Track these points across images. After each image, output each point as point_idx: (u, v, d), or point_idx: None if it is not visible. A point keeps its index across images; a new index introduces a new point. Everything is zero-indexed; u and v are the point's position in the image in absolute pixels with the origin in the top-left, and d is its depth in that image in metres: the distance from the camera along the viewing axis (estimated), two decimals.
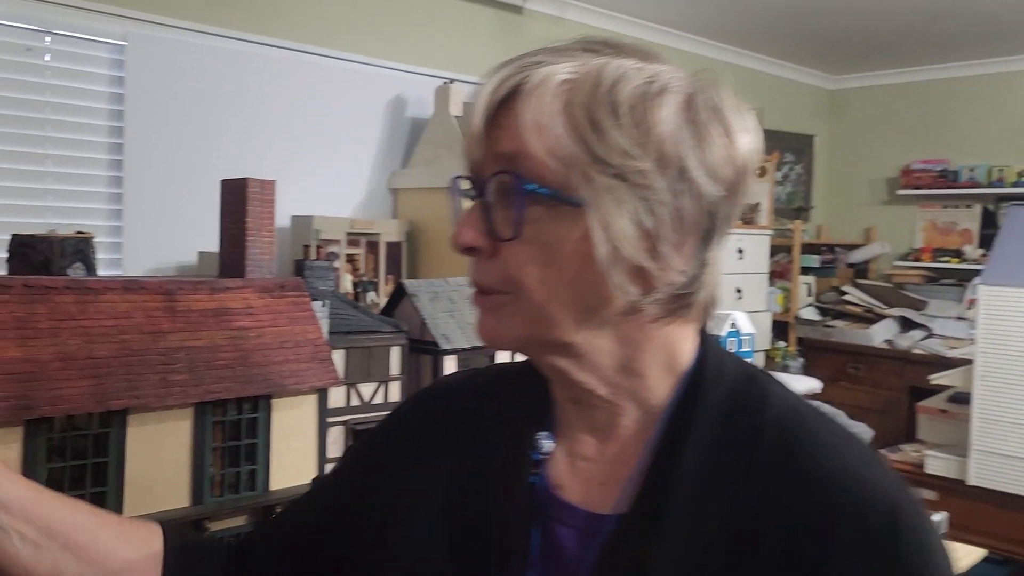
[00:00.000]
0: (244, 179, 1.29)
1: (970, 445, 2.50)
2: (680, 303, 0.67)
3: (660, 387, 0.70)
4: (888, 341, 4.54)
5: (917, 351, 4.37)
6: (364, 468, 0.84)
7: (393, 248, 3.06)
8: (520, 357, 0.77)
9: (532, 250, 0.64)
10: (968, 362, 2.56)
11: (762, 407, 0.68)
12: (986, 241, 4.71)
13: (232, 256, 1.29)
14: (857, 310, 4.74)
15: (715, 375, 0.70)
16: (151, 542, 0.79)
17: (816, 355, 4.58)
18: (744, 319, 2.71)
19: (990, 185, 4.73)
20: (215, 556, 0.84)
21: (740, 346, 2.68)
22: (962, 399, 2.67)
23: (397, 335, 1.64)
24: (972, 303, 4.41)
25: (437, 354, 1.68)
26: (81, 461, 1.05)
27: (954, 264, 4.83)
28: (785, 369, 4.01)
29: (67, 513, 0.75)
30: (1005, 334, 2.42)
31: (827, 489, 0.62)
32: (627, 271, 0.64)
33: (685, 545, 0.63)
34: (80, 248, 1.70)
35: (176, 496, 1.13)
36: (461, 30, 3.54)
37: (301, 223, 2.83)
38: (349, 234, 2.89)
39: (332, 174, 3.10)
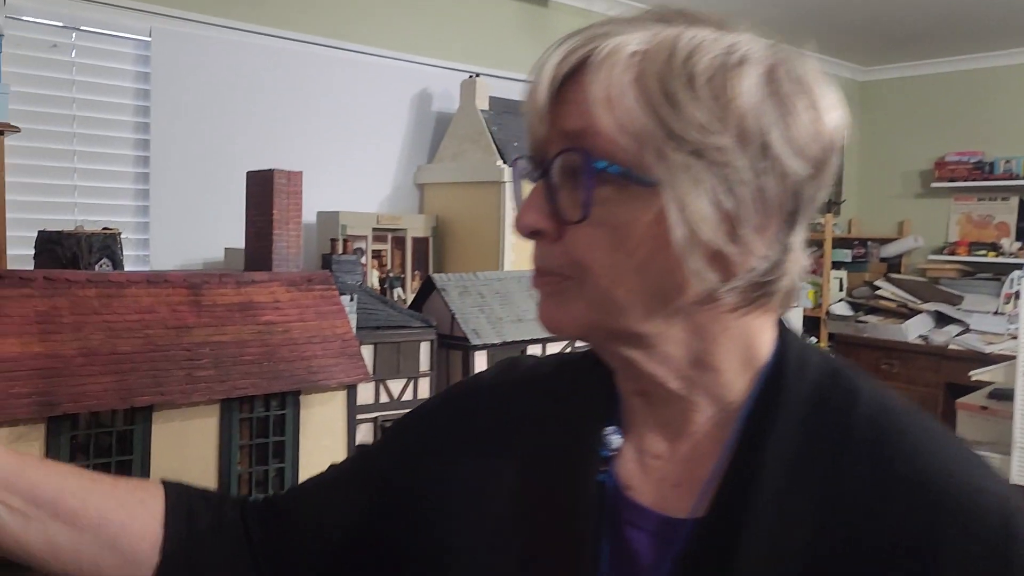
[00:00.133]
0: (270, 170, 1.26)
1: (1013, 443, 2.43)
2: (760, 291, 0.62)
3: (737, 382, 0.65)
4: (923, 337, 4.44)
5: (953, 347, 4.27)
6: (418, 450, 0.79)
7: (420, 244, 3.03)
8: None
9: (600, 233, 0.60)
10: (1008, 358, 2.49)
11: (850, 404, 0.63)
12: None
13: (258, 249, 1.26)
14: (890, 305, 4.64)
15: (797, 369, 0.65)
16: (149, 504, 0.75)
17: (848, 351, 4.49)
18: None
19: None
20: (227, 516, 0.79)
21: None
22: (1003, 395, 2.60)
23: (426, 330, 1.60)
24: (1010, 297, 4.31)
25: (467, 349, 1.64)
26: (105, 459, 1.02)
27: (990, 258, 4.72)
28: None
29: (54, 480, 0.71)
30: None
31: (931, 497, 0.57)
32: (705, 256, 0.59)
33: (769, 553, 0.58)
34: (107, 244, 1.68)
35: None
36: (486, 23, 3.50)
37: (327, 219, 2.80)
38: (375, 230, 2.87)
39: (358, 169, 3.08)
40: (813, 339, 4.12)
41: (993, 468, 0.61)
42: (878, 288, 4.75)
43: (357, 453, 0.87)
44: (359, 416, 1.35)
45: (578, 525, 0.66)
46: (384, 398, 1.54)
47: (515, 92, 3.40)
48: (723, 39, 0.60)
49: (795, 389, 0.64)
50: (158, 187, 2.64)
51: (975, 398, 2.76)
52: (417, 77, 3.27)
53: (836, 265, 4.67)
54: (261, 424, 1.14)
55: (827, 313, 4.44)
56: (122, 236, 1.70)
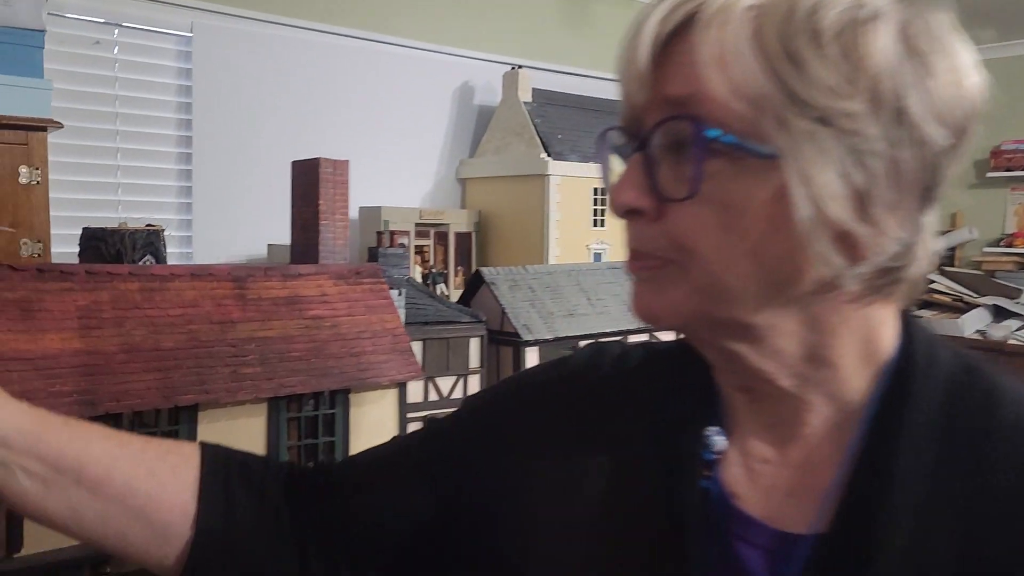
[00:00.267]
0: (316, 159, 1.21)
1: None
2: (887, 278, 0.55)
3: (856, 380, 0.58)
4: (980, 332, 4.28)
5: (1013, 341, 4.11)
6: (497, 441, 0.72)
7: (462, 239, 2.98)
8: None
9: (709, 212, 0.53)
10: None
11: (992, 405, 0.56)
12: None
13: (304, 241, 1.21)
14: (945, 299, 4.49)
15: (926, 366, 0.57)
16: (181, 472, 0.68)
17: None
18: None
19: None
20: (270, 490, 0.72)
21: None
22: None
23: (476, 326, 1.54)
24: None
25: (518, 345, 1.58)
26: None
27: None
28: None
29: (78, 443, 0.65)
30: None
31: None
32: (832, 237, 0.52)
33: (905, 574, 0.51)
34: (151, 241, 1.66)
35: None
36: (529, 14, 3.44)
37: (369, 214, 2.76)
38: (418, 225, 2.83)
39: (399, 164, 3.04)
40: None
41: None
42: (932, 282, 4.60)
43: (427, 433, 0.78)
44: (408, 415, 1.29)
45: (680, 537, 0.59)
46: (433, 396, 1.49)
47: (559, 84, 3.33)
48: None
49: (926, 388, 0.56)
50: (200, 183, 2.62)
51: None
52: (458, 70, 3.22)
53: None
54: (310, 424, 1.09)
55: None
56: (165, 233, 1.67)
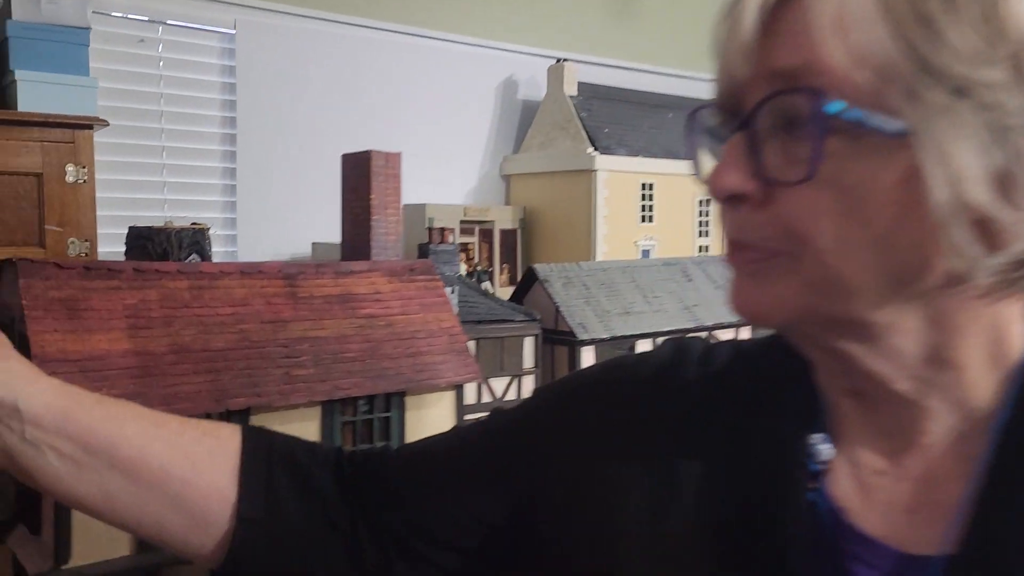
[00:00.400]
0: (367, 152, 1.16)
1: None
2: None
3: (983, 384, 0.52)
4: None
5: None
6: (578, 443, 0.65)
7: (507, 236, 2.94)
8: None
9: (826, 196, 0.47)
10: None
11: None
12: None
13: (356, 237, 1.16)
14: None
15: None
16: (219, 456, 0.64)
17: None
18: None
19: None
20: (316, 471, 0.67)
21: None
22: None
23: (530, 324, 1.49)
24: None
25: (573, 345, 1.52)
26: None
27: None
28: None
29: (112, 423, 0.61)
30: None
31: None
32: (970, 224, 0.46)
33: None
34: (196, 240, 1.63)
35: None
36: (574, 6, 3.38)
37: (413, 211, 2.73)
38: (462, 222, 2.78)
39: (443, 160, 3.00)
40: None
41: None
42: None
43: (493, 425, 0.71)
44: (464, 418, 1.24)
45: (784, 554, 0.53)
46: (487, 398, 1.44)
47: (605, 77, 3.26)
48: None
49: None
50: (244, 181, 2.61)
51: None
52: (502, 64, 3.17)
53: None
54: (365, 428, 1.04)
55: None
56: (210, 231, 1.64)
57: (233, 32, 2.57)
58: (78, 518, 0.82)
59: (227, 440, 0.66)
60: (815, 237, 0.48)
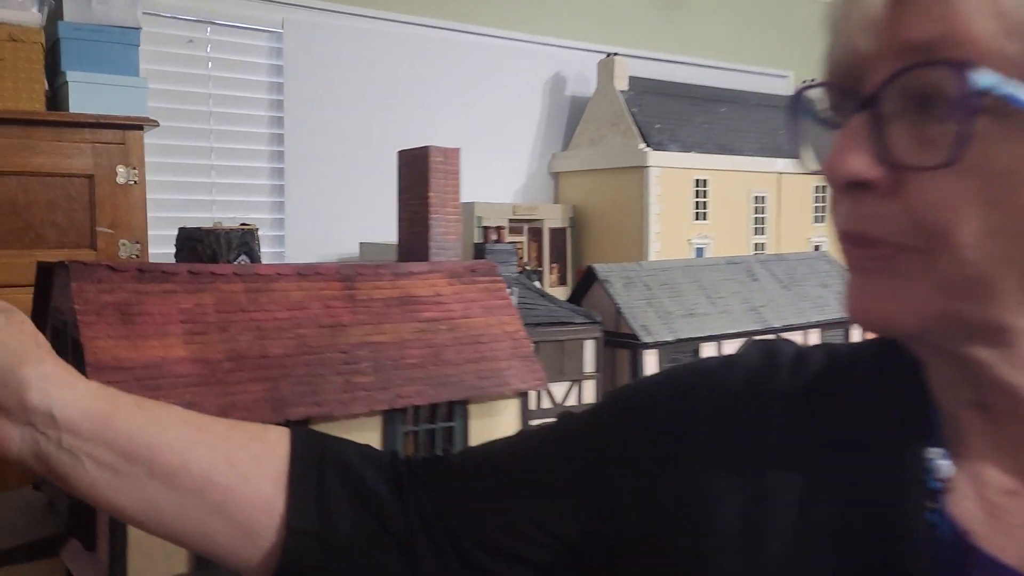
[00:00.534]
0: (425, 147, 1.12)
1: None
2: None
3: None
4: None
5: None
6: (664, 454, 0.59)
7: (557, 235, 2.88)
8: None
9: (971, 183, 0.42)
10: None
11: None
12: None
13: (413, 237, 1.11)
14: None
15: None
16: (266, 462, 0.60)
17: None
18: None
19: None
20: (371, 476, 0.62)
21: None
22: None
23: (591, 327, 1.43)
24: None
25: (635, 348, 1.46)
26: None
27: None
28: None
29: (152, 429, 0.57)
30: None
31: None
32: None
33: None
34: (245, 240, 1.60)
35: None
36: (623, 0, 3.31)
37: (462, 210, 2.68)
38: (511, 220, 2.73)
39: (491, 158, 2.96)
40: None
41: None
42: None
43: (565, 430, 0.65)
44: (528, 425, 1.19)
45: None
46: (546, 404, 1.38)
47: (656, 71, 3.19)
48: None
49: None
50: (292, 181, 2.59)
51: None
52: (550, 60, 3.12)
53: None
54: (427, 438, 0.98)
55: None
56: (259, 232, 1.62)
57: (281, 31, 2.55)
58: (134, 533, 0.78)
59: (275, 444, 0.62)
60: (955, 231, 0.42)
